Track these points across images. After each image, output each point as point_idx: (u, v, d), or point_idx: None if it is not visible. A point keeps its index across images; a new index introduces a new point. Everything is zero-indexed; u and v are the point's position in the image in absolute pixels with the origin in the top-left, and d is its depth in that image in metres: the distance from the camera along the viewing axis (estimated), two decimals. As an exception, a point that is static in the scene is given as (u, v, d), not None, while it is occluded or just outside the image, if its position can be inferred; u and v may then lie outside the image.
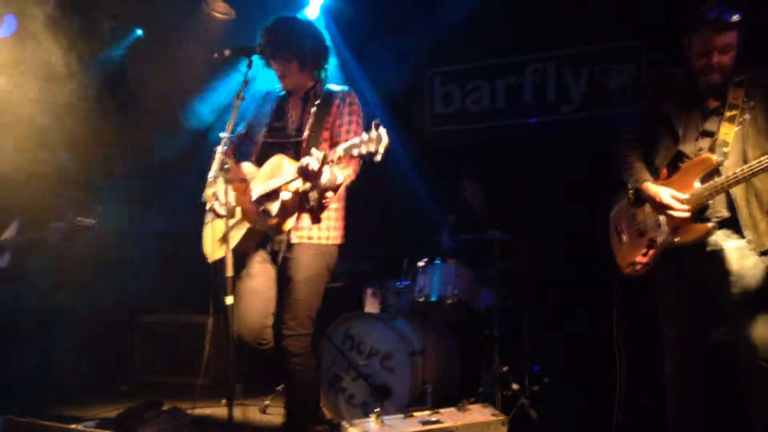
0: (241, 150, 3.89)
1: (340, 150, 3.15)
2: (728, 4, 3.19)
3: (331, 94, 3.75)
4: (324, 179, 3.34)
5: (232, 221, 3.51)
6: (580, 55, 5.76)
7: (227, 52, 3.49)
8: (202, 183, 3.45)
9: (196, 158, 3.73)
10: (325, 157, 3.23)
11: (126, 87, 6.25)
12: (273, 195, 3.49)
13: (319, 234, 3.68)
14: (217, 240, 3.71)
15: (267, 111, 3.86)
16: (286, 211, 3.51)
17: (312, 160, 3.25)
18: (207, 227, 3.79)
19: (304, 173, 3.31)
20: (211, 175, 3.26)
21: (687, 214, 3.23)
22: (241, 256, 3.74)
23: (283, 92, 3.88)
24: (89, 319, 6.28)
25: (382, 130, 3.01)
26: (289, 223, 3.55)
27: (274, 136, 3.77)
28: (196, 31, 6.12)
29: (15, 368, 5.75)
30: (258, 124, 3.85)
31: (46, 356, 6.05)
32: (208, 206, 3.65)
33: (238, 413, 3.33)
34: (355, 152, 3.07)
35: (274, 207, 3.50)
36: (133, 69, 6.36)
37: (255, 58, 3.53)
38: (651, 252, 3.41)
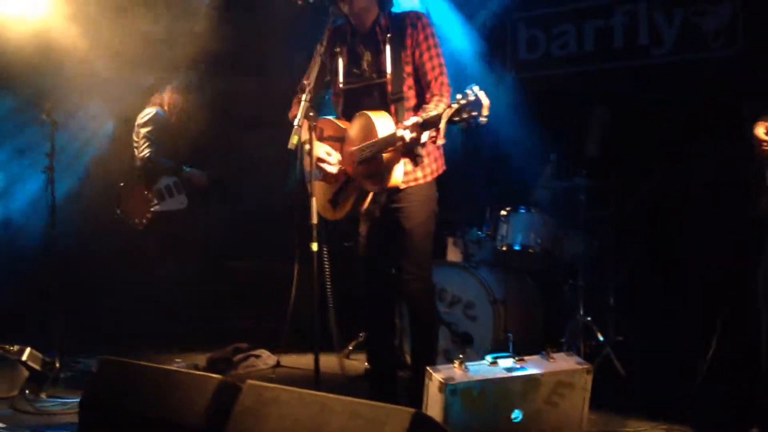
0: (324, 100, 3.85)
1: (442, 123, 3.01)
2: None
3: (400, 21, 3.58)
4: (424, 139, 3.20)
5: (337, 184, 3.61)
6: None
7: (311, -1, 3.45)
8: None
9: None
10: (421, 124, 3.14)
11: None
12: (375, 158, 3.42)
13: (424, 172, 3.61)
14: (328, 201, 3.72)
15: (339, 57, 3.70)
16: (392, 170, 3.42)
17: (405, 132, 3.18)
18: (317, 185, 3.67)
19: (403, 147, 3.23)
20: (296, 122, 3.25)
21: None
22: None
23: (347, 33, 3.70)
24: (176, 266, 6.46)
25: (481, 93, 2.91)
26: (398, 178, 3.48)
27: (354, 82, 3.66)
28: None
29: (105, 313, 6.00)
30: (334, 71, 3.73)
31: (133, 302, 6.27)
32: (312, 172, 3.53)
33: (322, 359, 3.38)
34: (456, 118, 2.96)
35: (381, 168, 3.42)
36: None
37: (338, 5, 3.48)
38: None
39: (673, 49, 5.51)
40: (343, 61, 3.69)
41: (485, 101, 2.91)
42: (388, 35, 3.55)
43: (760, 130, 3.29)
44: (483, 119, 2.93)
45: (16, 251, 6.23)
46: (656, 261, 5.26)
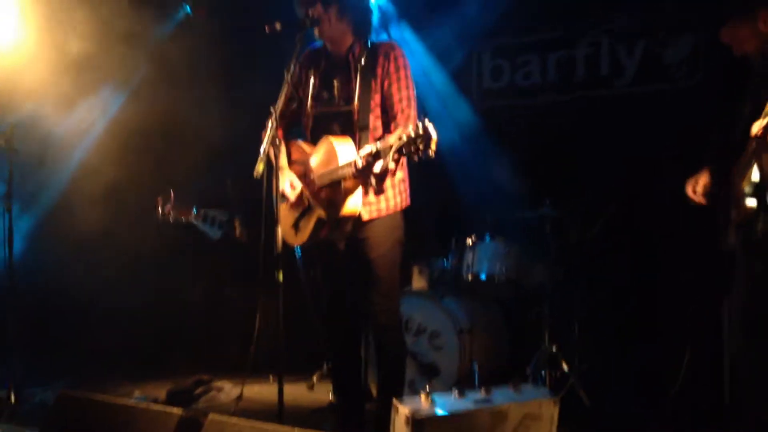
0: (296, 123, 3.83)
1: (390, 156, 3.00)
2: None
3: (373, 51, 3.59)
4: (377, 169, 3.16)
5: (300, 209, 3.58)
6: (635, 27, 5.58)
7: (278, 26, 3.42)
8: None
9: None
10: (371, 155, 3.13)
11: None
12: (334, 185, 3.43)
13: (387, 204, 3.60)
14: (291, 226, 3.69)
15: (311, 80, 3.71)
16: (350, 199, 3.42)
17: (357, 160, 3.19)
18: (282, 210, 3.63)
19: (356, 175, 3.24)
20: (262, 149, 3.22)
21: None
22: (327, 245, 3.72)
23: (322, 57, 3.71)
24: (135, 296, 6.34)
25: (430, 126, 2.90)
26: (357, 207, 3.47)
27: (323, 107, 3.66)
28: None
29: (64, 344, 5.86)
30: (305, 94, 3.72)
31: (93, 333, 6.13)
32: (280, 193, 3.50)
33: (286, 390, 3.32)
34: (405, 150, 2.95)
35: (338, 196, 3.42)
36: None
37: (308, 32, 3.48)
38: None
39: (635, 80, 5.59)
40: (314, 84, 3.70)
41: (434, 135, 2.91)
42: (360, 64, 3.57)
43: (688, 190, 3.41)
44: (431, 152, 2.92)
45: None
46: (622, 289, 5.28)
